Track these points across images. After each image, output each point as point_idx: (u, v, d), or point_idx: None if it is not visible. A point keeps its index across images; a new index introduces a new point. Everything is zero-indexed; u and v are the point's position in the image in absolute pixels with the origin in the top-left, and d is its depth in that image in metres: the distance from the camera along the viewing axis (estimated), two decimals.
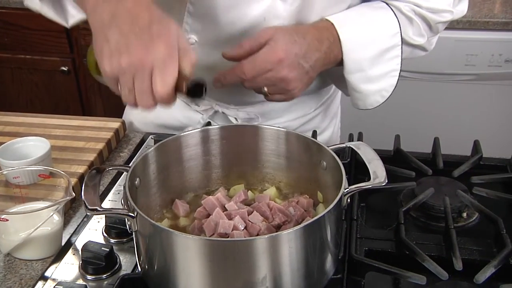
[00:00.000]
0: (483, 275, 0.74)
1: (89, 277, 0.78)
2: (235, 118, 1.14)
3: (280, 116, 1.15)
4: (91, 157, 1.05)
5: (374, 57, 0.99)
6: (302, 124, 1.19)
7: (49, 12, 0.96)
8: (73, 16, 0.98)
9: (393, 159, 1.02)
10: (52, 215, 0.82)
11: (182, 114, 1.17)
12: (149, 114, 1.21)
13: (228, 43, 0.99)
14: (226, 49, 1.00)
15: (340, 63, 0.99)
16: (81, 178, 0.98)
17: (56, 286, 0.73)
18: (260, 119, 1.14)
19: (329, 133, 1.27)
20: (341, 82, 1.07)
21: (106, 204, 0.94)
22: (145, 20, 0.70)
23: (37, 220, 0.81)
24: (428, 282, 0.73)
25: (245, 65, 0.91)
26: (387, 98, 1.05)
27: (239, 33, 0.98)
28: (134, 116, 1.25)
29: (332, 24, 0.96)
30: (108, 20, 0.70)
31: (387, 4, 1.02)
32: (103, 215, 0.87)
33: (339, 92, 1.28)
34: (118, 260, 0.80)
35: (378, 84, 1.02)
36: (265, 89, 0.94)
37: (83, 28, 2.14)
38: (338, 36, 0.96)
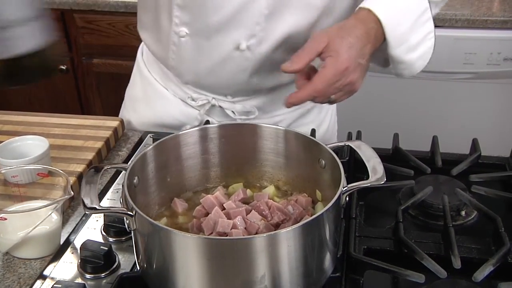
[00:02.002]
0: (481, 273, 0.74)
1: (87, 276, 0.78)
2: (233, 111, 1.14)
3: (278, 109, 1.16)
4: (90, 156, 1.05)
5: (412, 26, 1.01)
6: (300, 116, 1.20)
7: None
8: None
9: (392, 157, 1.02)
10: (50, 214, 0.82)
11: (179, 111, 1.17)
12: (146, 113, 1.21)
13: (219, 31, 1.00)
14: (217, 38, 1.01)
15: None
16: (79, 177, 0.98)
17: (54, 285, 0.73)
18: (258, 112, 1.14)
19: (326, 125, 1.28)
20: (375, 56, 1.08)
21: (105, 203, 0.94)
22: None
23: (36, 219, 0.81)
24: (426, 280, 0.73)
25: (318, 84, 0.92)
26: (429, 60, 1.07)
27: (227, 17, 0.98)
28: (131, 114, 1.25)
29: (370, 10, 0.98)
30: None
31: None
32: (102, 214, 0.87)
33: None
34: (116, 258, 0.80)
35: (419, 50, 1.04)
36: (333, 96, 0.96)
37: (82, 27, 2.14)
38: (379, 20, 0.97)
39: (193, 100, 1.14)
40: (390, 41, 0.99)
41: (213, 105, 1.14)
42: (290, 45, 1.02)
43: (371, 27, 0.96)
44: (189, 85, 1.13)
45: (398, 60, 1.04)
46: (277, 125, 0.86)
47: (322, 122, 1.26)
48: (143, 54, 1.24)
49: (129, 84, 1.29)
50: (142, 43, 1.24)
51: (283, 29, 1.01)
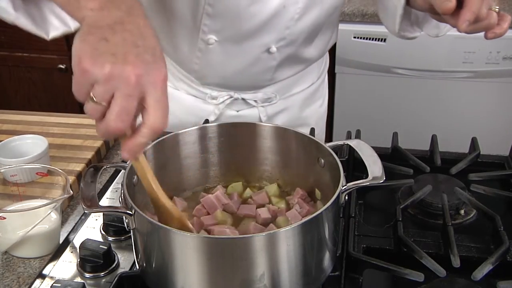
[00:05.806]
0: (480, 272, 0.74)
1: (87, 275, 0.78)
2: (255, 100, 1.15)
3: (292, 89, 1.19)
4: (89, 155, 1.05)
5: None
6: (312, 94, 1.23)
7: (26, 25, 0.89)
8: (56, 28, 0.91)
9: (391, 156, 1.02)
10: (49, 213, 0.82)
11: (199, 108, 1.18)
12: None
13: (249, 37, 1.02)
14: (248, 43, 1.03)
15: None
16: (79, 176, 0.98)
17: (54, 284, 0.73)
18: (278, 96, 1.17)
19: (325, 106, 1.32)
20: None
21: (104, 202, 0.94)
22: (152, 42, 0.62)
23: (35, 218, 0.81)
24: (426, 279, 0.73)
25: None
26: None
27: (260, 24, 1.00)
28: None
29: None
30: (114, 23, 0.61)
31: None
32: (101, 213, 0.87)
33: (327, 66, 1.32)
34: (116, 258, 0.80)
35: None
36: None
37: None
38: None
39: (213, 98, 1.15)
40: None
41: (236, 98, 1.15)
42: (311, 37, 1.07)
43: None
44: (210, 86, 1.14)
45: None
46: (276, 124, 0.86)
47: (324, 101, 1.30)
48: None
49: None
50: None
51: (308, 26, 1.04)
